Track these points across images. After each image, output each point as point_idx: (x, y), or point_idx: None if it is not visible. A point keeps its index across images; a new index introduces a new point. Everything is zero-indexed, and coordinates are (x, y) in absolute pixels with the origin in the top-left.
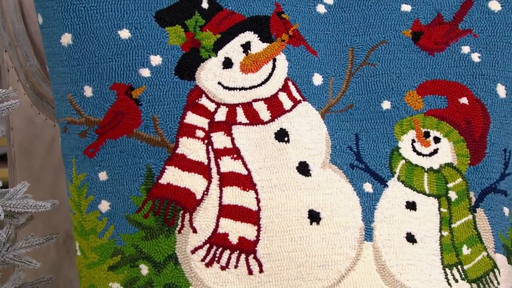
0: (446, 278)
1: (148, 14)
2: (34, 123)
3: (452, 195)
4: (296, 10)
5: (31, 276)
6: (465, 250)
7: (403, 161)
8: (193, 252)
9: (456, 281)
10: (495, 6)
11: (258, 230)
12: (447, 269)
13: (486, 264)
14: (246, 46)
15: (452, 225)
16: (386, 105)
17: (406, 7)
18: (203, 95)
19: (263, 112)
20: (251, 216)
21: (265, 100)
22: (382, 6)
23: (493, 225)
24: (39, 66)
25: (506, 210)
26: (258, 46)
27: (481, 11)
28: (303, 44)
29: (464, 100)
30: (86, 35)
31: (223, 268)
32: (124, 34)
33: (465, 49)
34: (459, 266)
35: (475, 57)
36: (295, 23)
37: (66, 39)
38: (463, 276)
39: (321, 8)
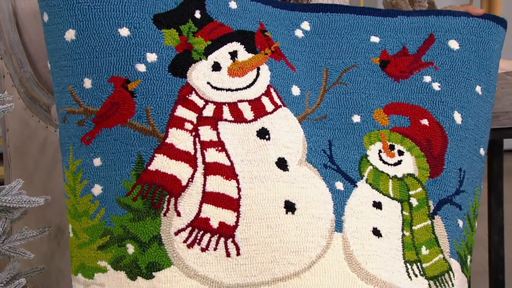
0: (407, 272)
1: (147, 16)
2: (28, 125)
3: (413, 201)
4: (277, 31)
5: (25, 266)
6: (424, 251)
7: (371, 167)
8: (176, 233)
9: (416, 275)
10: (454, 45)
11: (238, 217)
12: (408, 264)
13: (442, 265)
14: (233, 54)
15: (413, 227)
16: (356, 118)
17: (375, 39)
18: (193, 92)
19: (247, 112)
20: (232, 203)
21: (249, 101)
22: (353, 36)
23: (449, 232)
24: (33, 72)
25: (460, 222)
26: (244, 55)
27: (442, 48)
28: (283, 60)
29: (425, 122)
30: (88, 31)
31: (203, 249)
32: (124, 32)
33: (427, 79)
34: (418, 263)
35: (436, 86)
36: (276, 41)
37: (70, 35)
38: (422, 272)
39: (299, 33)
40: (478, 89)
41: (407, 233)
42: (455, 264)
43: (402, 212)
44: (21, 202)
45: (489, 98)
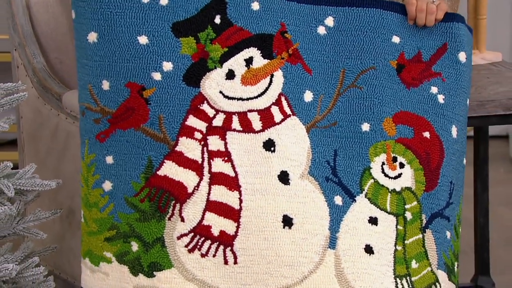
0: (396, 287)
1: (165, 25)
2: (41, 113)
3: (408, 215)
4: (299, 30)
5: (38, 245)
6: (414, 264)
7: (372, 180)
8: (178, 238)
9: None
10: (462, 57)
11: (238, 227)
12: (397, 279)
13: (429, 278)
14: (248, 61)
15: (406, 241)
16: (365, 127)
17: (396, 39)
18: (205, 102)
19: (256, 122)
20: (233, 214)
21: (259, 111)
22: (377, 34)
23: (438, 245)
24: (45, 63)
25: (448, 234)
26: (259, 61)
27: (451, 59)
28: (300, 63)
29: (426, 134)
30: (109, 36)
31: (203, 255)
32: (143, 40)
33: (434, 90)
34: (408, 277)
35: (440, 98)
36: (296, 42)
37: (92, 37)
38: (410, 286)
39: (321, 30)
40: (468, 101)
41: (399, 248)
42: (442, 275)
43: (396, 227)
44: (34, 185)
45: (468, 108)
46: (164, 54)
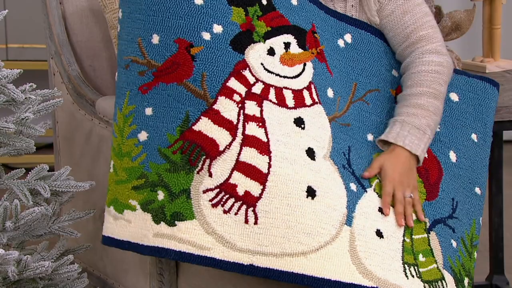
0: (404, 271)
1: None
2: (75, 118)
3: (413, 215)
4: (324, 36)
5: (72, 244)
6: (421, 258)
7: (378, 180)
8: (204, 192)
9: (412, 276)
10: (454, 97)
11: (263, 189)
12: (406, 265)
13: (436, 273)
14: (287, 45)
15: (413, 236)
16: (370, 137)
17: (395, 72)
18: (247, 68)
19: (289, 99)
20: (260, 177)
21: (293, 91)
22: (381, 63)
23: (443, 247)
24: (79, 70)
25: (454, 243)
26: (295, 48)
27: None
28: (324, 63)
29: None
30: None
31: (225, 212)
32: (198, 0)
33: None
34: (415, 267)
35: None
36: (322, 45)
37: None
38: (418, 275)
39: (341, 42)
40: (473, 136)
41: (407, 239)
42: (448, 276)
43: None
44: (69, 187)
45: (485, 146)
46: (216, 17)
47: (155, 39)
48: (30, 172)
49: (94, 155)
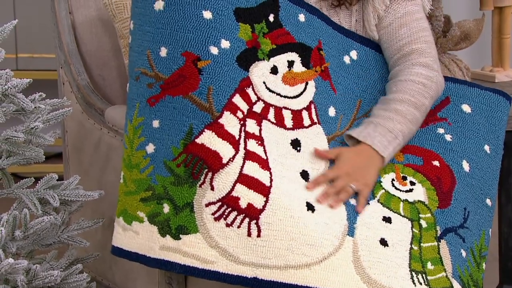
0: (412, 278)
1: (229, 7)
2: (84, 127)
3: (423, 223)
4: (330, 52)
5: (81, 253)
6: (429, 266)
7: (383, 190)
8: (207, 205)
9: (420, 283)
10: (466, 108)
11: (266, 202)
12: (413, 273)
13: (444, 282)
14: (290, 63)
15: (422, 244)
16: None
17: None
18: (251, 86)
19: (288, 119)
20: (263, 189)
21: (292, 111)
22: (386, 80)
23: (452, 256)
24: (89, 80)
25: (463, 253)
26: (298, 67)
27: (455, 109)
28: (328, 80)
29: (436, 163)
30: (176, 6)
31: (227, 225)
32: (207, 14)
33: (440, 130)
34: (423, 275)
35: (448, 137)
36: (327, 62)
37: (159, 5)
38: (426, 282)
39: (347, 59)
40: (486, 148)
41: (415, 247)
42: (457, 285)
43: (412, 229)
44: (78, 196)
45: (497, 158)
46: (224, 32)
47: (163, 51)
48: (39, 181)
49: (103, 164)
